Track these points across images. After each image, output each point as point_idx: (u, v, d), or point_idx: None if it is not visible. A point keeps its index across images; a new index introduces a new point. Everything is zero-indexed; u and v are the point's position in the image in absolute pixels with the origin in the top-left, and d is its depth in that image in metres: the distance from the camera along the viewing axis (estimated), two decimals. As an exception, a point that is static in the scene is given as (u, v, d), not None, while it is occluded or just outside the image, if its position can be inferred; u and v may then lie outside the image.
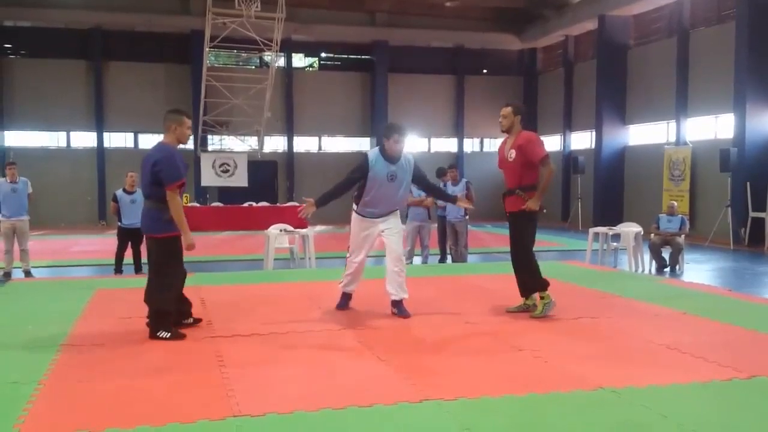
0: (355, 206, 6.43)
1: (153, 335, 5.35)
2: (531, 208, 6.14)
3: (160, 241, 5.40)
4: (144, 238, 5.65)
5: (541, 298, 6.19)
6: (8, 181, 10.14)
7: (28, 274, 10.05)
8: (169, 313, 5.44)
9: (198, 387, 4.15)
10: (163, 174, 5.26)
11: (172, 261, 5.49)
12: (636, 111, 20.41)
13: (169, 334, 5.34)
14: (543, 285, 6.22)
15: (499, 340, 5.38)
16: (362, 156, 6.40)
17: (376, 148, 6.38)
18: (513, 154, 6.23)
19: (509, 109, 6.31)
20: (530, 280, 6.24)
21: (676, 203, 12.14)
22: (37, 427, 3.49)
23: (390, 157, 6.21)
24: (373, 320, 6.08)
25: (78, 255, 13.22)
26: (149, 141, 23.43)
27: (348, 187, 6.30)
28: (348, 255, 6.59)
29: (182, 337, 5.36)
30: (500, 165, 6.59)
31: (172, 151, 5.43)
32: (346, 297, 6.60)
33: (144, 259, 10.17)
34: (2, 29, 21.93)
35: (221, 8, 18.75)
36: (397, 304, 6.25)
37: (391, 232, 6.29)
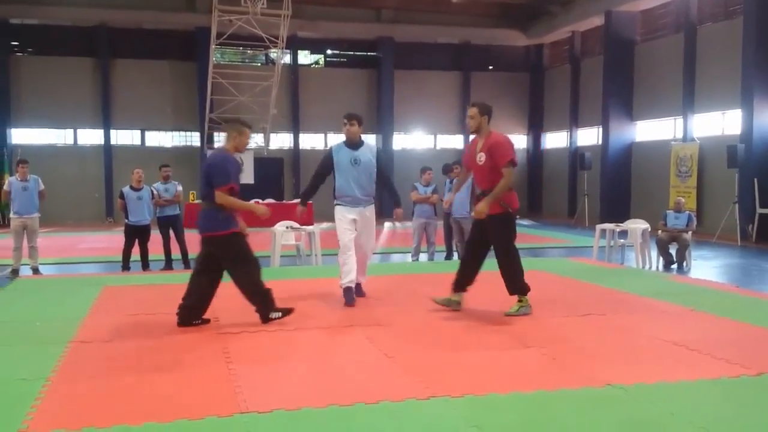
0: (335, 200, 6.84)
1: (266, 319, 5.66)
2: (478, 214, 6.00)
3: (221, 239, 5.64)
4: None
5: (519, 300, 6.07)
6: (19, 179, 10.18)
7: (36, 271, 10.09)
8: (268, 293, 5.72)
9: (205, 383, 4.16)
10: (213, 177, 5.58)
11: (241, 251, 5.74)
12: (643, 107, 20.33)
13: (280, 313, 5.72)
14: (524, 289, 6.08)
15: (506, 337, 5.37)
16: (327, 149, 7.15)
17: (340, 141, 6.95)
18: (483, 157, 6.03)
19: (475, 109, 6.06)
20: (513, 280, 6.08)
21: (683, 199, 12.10)
22: (46, 423, 3.50)
23: (350, 144, 6.78)
24: (380, 317, 6.08)
25: (85, 252, 13.26)
26: (156, 138, 23.53)
27: (319, 178, 6.94)
28: (339, 254, 6.73)
29: (291, 311, 5.78)
30: (468, 165, 6.42)
31: (227, 156, 5.74)
32: (350, 291, 6.64)
33: (154, 255, 10.29)
34: (9, 27, 21.95)
35: (227, 5, 18.75)
36: (358, 287, 6.86)
37: (366, 232, 6.85)
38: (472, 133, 6.20)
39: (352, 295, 6.64)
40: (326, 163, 6.82)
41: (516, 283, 6.06)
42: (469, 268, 6.25)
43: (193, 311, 5.71)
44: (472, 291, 6.19)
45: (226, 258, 5.70)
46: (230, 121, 5.98)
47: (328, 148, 7.19)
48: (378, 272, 8.81)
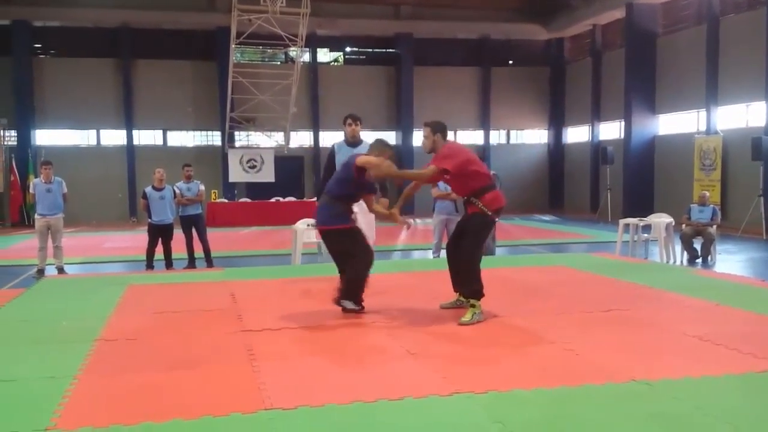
0: None
1: (337, 302, 5.88)
2: (394, 217, 6.09)
3: (331, 233, 5.90)
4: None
5: (472, 306, 5.69)
6: (43, 181, 10.31)
7: (61, 270, 10.22)
8: (361, 287, 5.90)
9: (229, 380, 4.19)
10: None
11: (346, 246, 5.93)
12: (665, 100, 20.12)
13: (356, 306, 5.89)
14: (480, 293, 5.74)
15: (529, 333, 5.35)
16: (330, 147, 7.67)
17: (341, 140, 7.56)
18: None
19: (428, 129, 5.85)
20: (470, 282, 5.78)
21: (707, 193, 11.97)
22: (74, 420, 3.54)
23: (350, 142, 7.38)
24: (401, 313, 6.08)
25: (110, 252, 13.41)
26: (178, 138, 23.71)
27: (327, 173, 7.24)
28: None
29: (362, 309, 5.92)
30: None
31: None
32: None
33: (177, 254, 10.39)
34: (32, 29, 22.24)
35: (247, 5, 18.85)
36: None
37: (365, 224, 6.97)
38: (428, 153, 5.99)
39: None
40: (331, 159, 7.40)
41: (473, 286, 5.73)
42: (457, 266, 6.11)
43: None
44: (493, 286, 6.15)
45: (332, 251, 6.05)
46: (379, 139, 6.09)
47: (330, 146, 7.69)
48: (399, 269, 8.81)
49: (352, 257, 5.91)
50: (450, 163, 5.64)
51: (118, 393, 4.00)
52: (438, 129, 5.82)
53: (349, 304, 5.90)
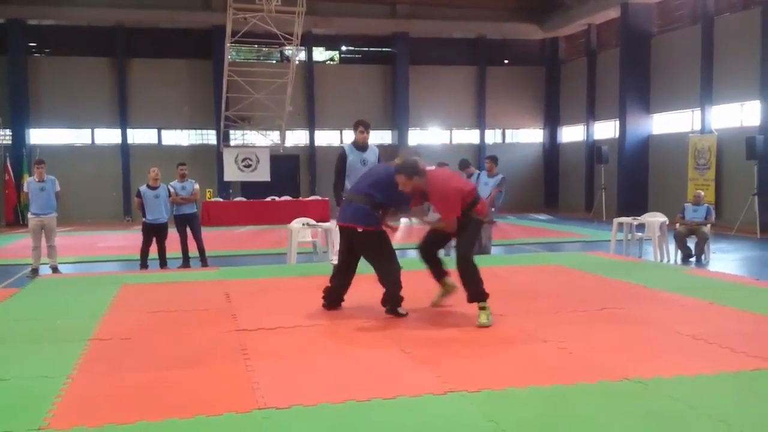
0: (344, 195, 7.25)
1: (393, 312, 5.89)
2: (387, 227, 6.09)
3: (370, 234, 5.87)
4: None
5: (483, 308, 5.61)
6: (36, 180, 10.29)
7: (55, 269, 10.20)
8: (401, 289, 5.93)
9: (224, 380, 4.19)
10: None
11: (386, 244, 6.01)
12: (660, 99, 20.16)
13: (406, 311, 5.92)
14: (485, 293, 5.68)
15: (523, 332, 5.36)
16: (339, 149, 8.12)
17: (349, 142, 8.06)
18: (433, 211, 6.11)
19: (402, 176, 5.59)
20: (473, 285, 5.70)
21: (702, 192, 12.00)
22: (67, 420, 3.54)
23: (359, 146, 7.92)
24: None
25: (104, 251, 13.38)
26: (173, 137, 23.66)
27: (343, 175, 7.86)
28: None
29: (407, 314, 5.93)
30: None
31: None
32: None
33: (172, 253, 10.37)
34: (27, 28, 22.17)
35: (242, 3, 18.81)
36: None
37: None
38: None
39: None
40: (344, 160, 7.88)
41: (477, 287, 5.67)
42: (433, 260, 6.20)
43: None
44: (488, 285, 6.13)
45: (364, 251, 6.03)
46: (409, 163, 5.73)
47: (340, 148, 8.15)
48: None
49: (386, 259, 5.96)
50: (455, 208, 5.63)
51: (111, 392, 3.99)
52: (412, 172, 5.59)
53: (402, 309, 5.92)
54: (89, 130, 23.23)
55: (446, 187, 5.69)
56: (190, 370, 4.39)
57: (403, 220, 7.45)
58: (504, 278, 7.98)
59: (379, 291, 6.04)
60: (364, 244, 5.96)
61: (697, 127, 18.58)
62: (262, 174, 22.15)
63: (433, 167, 6.27)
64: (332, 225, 10.94)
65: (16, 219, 20.12)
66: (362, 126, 7.96)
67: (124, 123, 22.92)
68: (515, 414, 3.59)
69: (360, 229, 5.85)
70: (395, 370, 4.39)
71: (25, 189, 10.54)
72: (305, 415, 3.60)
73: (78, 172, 21.39)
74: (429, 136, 25.40)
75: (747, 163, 15.41)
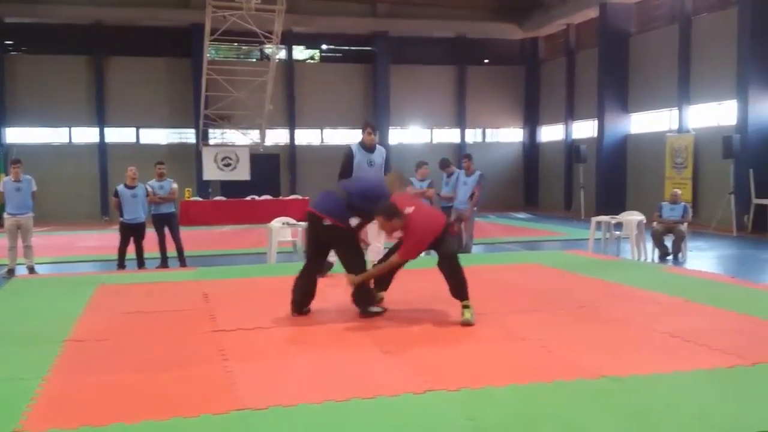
0: None
1: (366, 313, 5.86)
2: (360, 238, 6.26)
3: (343, 230, 5.87)
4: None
5: (467, 306, 5.63)
6: (12, 179, 10.15)
7: (31, 270, 10.07)
8: (371, 288, 6.00)
9: (201, 381, 4.16)
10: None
11: (355, 244, 6.07)
12: (638, 99, 20.33)
13: (382, 309, 5.97)
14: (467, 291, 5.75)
15: (502, 330, 5.38)
16: (346, 148, 8.02)
17: (356, 142, 8.02)
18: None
19: (380, 218, 5.66)
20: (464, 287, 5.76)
21: (679, 191, 12.11)
22: (42, 422, 3.50)
23: (367, 147, 7.90)
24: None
25: (81, 251, 13.23)
26: (150, 136, 23.47)
27: (347, 174, 7.70)
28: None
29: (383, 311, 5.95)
30: None
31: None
32: None
33: (150, 253, 10.28)
34: (4, 26, 21.89)
35: (221, 1, 18.70)
36: None
37: None
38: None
39: None
40: (350, 159, 7.82)
41: (466, 287, 5.71)
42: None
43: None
44: (468, 284, 6.12)
45: (336, 246, 6.07)
46: (386, 208, 5.70)
47: (347, 147, 8.04)
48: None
49: (351, 252, 5.96)
50: (419, 251, 5.80)
51: (88, 394, 3.95)
52: (391, 215, 5.61)
53: (374, 308, 5.92)
54: (66, 129, 23.01)
55: (424, 232, 5.70)
56: (167, 372, 4.35)
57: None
58: (484, 277, 8.00)
59: (346, 292, 6.03)
60: (329, 237, 5.95)
61: (675, 126, 18.76)
62: (242, 173, 22.04)
63: (411, 201, 6.04)
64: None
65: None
66: (370, 128, 8.04)
67: (101, 122, 22.72)
68: (494, 412, 3.60)
69: (327, 222, 5.83)
70: (374, 370, 4.39)
71: (0, 189, 10.39)
72: (283, 415, 3.58)
73: (55, 172, 21.18)
74: (409, 135, 25.43)
75: (723, 162, 15.58)
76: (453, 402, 3.74)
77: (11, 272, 9.91)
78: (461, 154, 23.79)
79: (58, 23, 22.43)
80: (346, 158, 7.89)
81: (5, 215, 10.21)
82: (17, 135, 22.31)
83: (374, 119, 24.44)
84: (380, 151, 8.09)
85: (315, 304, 6.19)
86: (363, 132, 8.05)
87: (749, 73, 15.51)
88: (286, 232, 11.05)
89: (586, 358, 4.53)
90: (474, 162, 10.95)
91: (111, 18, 22.38)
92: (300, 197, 20.93)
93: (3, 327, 5.74)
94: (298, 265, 7.82)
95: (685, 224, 11.14)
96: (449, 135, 25.85)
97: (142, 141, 23.41)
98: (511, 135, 26.57)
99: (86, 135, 23.03)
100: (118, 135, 23.29)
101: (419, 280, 7.03)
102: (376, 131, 8.09)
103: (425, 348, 4.90)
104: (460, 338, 5.20)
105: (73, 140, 23.06)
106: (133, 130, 23.44)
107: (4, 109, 21.84)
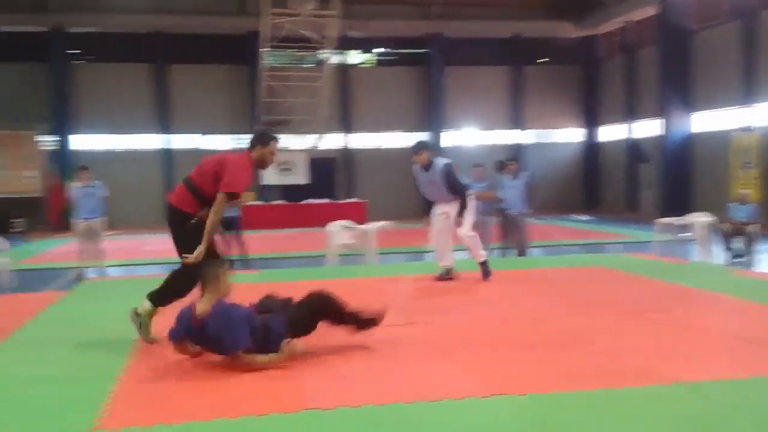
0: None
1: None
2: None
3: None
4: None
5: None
6: (82, 185, 10.50)
7: (102, 273, 10.38)
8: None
9: (270, 380, 4.22)
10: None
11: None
12: (702, 97, 19.79)
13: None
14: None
15: (568, 335, 5.29)
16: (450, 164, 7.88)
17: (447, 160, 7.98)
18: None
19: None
20: None
21: (747, 192, 11.75)
22: (118, 420, 3.60)
23: (422, 167, 7.84)
24: (439, 315, 6.06)
25: (150, 254, 13.57)
26: (213, 141, 23.95)
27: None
28: None
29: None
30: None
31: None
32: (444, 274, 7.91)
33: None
34: (69, 35, 22.66)
35: (277, 8, 18.96)
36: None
37: (439, 223, 7.96)
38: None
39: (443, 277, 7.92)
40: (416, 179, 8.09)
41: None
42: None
43: None
44: (525, 289, 6.08)
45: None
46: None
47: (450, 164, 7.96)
48: (435, 269, 8.79)
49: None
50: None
51: (160, 394, 4.05)
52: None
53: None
54: (130, 136, 23.62)
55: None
56: (237, 371, 4.42)
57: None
58: (546, 280, 7.91)
59: (423, 295, 6.06)
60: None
61: (741, 124, 18.17)
62: (300, 177, 22.30)
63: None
64: (371, 227, 10.99)
65: (61, 223, 20.53)
66: (415, 151, 7.90)
67: (164, 128, 23.29)
68: (562, 418, 3.55)
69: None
70: (439, 373, 4.37)
71: (70, 194, 10.76)
72: (351, 416, 3.61)
73: (120, 178, 21.74)
74: (464, 137, 25.29)
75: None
76: (520, 407, 3.71)
77: (82, 275, 10.23)
78: (510, 157, 23.71)
79: (121, 32, 23.12)
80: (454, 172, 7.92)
81: (77, 220, 10.56)
82: (83, 142, 23.03)
83: (429, 121, 24.45)
84: (436, 168, 7.72)
85: (375, 307, 6.19)
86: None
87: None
88: (345, 234, 11.12)
89: (655, 363, 4.42)
90: (520, 163, 10.90)
91: (171, 26, 22.93)
92: (358, 201, 21.05)
93: (76, 328, 5.93)
94: (358, 267, 7.83)
95: (755, 225, 10.79)
96: (506, 136, 25.61)
97: (206, 147, 23.90)
98: (570, 135, 26.18)
99: (150, 141, 23.61)
100: (181, 141, 23.81)
101: (480, 281, 6.98)
102: (419, 151, 7.77)
103: (489, 351, 4.85)
104: (525, 342, 5.12)
105: (138, 147, 23.67)
106: (195, 136, 23.89)
107: (71, 117, 22.59)
